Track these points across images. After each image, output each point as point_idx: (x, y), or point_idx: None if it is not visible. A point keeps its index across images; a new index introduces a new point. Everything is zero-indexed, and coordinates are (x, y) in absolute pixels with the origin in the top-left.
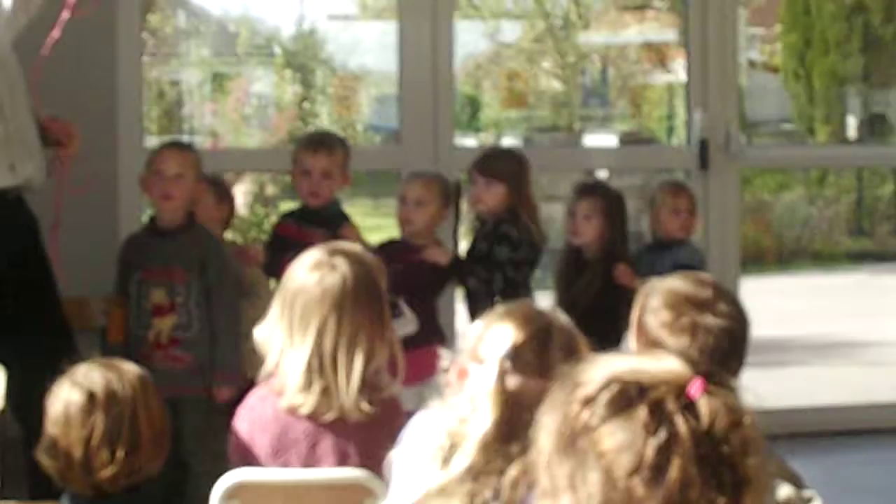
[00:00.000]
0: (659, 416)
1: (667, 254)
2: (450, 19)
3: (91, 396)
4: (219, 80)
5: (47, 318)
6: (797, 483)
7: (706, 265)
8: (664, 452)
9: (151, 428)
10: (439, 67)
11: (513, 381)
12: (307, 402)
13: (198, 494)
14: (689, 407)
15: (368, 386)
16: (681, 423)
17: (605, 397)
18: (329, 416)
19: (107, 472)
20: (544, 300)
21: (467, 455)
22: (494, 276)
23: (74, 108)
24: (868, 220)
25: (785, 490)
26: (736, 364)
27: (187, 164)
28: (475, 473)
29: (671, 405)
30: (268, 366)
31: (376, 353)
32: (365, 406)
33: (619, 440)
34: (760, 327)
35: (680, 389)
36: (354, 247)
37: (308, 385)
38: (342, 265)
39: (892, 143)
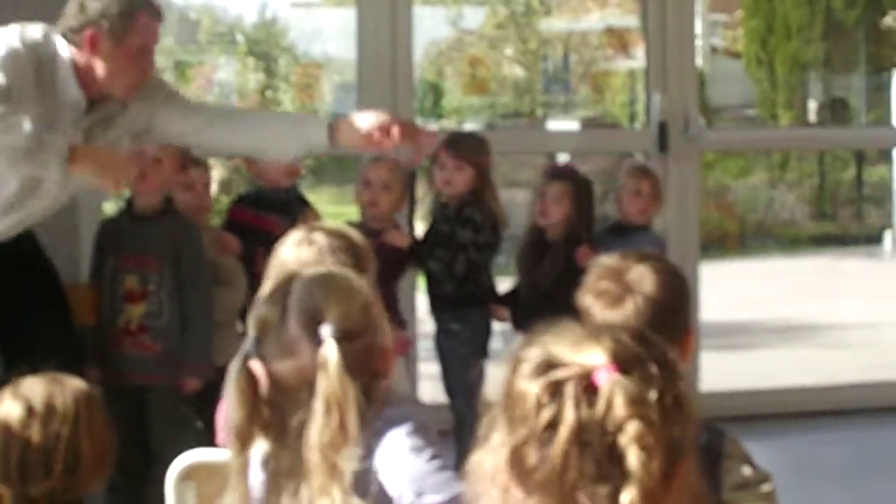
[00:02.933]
0: (555, 394)
1: (628, 240)
2: (409, 5)
3: (30, 409)
4: (181, 69)
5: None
6: (751, 464)
7: (667, 252)
8: (551, 429)
9: (93, 447)
10: (399, 54)
11: (260, 371)
12: None
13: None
14: (587, 392)
15: None
16: (569, 406)
17: (526, 369)
18: None
19: (41, 488)
20: (505, 285)
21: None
22: (457, 258)
23: None
24: (830, 204)
25: (745, 470)
26: (670, 329)
27: (168, 148)
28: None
29: (569, 387)
30: None
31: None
32: None
33: (523, 409)
34: (724, 311)
35: (586, 374)
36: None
37: None
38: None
39: (853, 127)
